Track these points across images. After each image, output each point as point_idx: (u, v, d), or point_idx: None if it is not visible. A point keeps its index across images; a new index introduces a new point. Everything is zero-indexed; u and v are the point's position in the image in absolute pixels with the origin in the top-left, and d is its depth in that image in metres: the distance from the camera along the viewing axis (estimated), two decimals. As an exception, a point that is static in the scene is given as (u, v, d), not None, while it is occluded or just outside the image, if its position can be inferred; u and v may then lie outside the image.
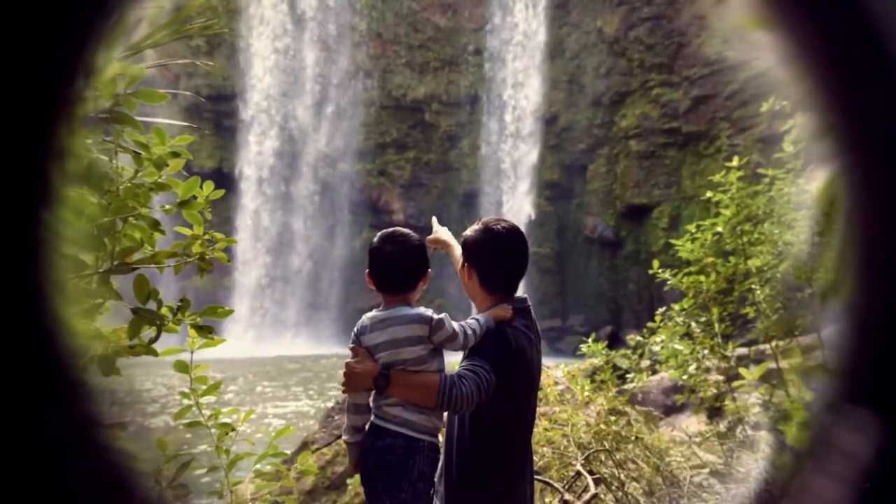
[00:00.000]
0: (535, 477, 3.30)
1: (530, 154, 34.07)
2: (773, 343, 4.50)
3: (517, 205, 33.66)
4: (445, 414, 2.09)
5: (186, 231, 1.80)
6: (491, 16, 35.72)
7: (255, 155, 34.94)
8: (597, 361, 5.78)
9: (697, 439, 5.02)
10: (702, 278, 4.78)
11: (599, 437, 4.36)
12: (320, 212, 35.54)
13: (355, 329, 2.03)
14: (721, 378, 4.87)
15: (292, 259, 34.87)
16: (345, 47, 36.48)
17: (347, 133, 36.06)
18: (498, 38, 35.42)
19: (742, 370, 4.14)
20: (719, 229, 4.69)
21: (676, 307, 4.98)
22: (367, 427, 2.01)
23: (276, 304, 34.04)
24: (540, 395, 3.88)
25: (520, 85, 34.80)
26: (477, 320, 2.00)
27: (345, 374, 1.95)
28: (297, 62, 36.09)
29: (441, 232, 2.52)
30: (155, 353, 1.65)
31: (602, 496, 3.91)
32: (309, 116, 35.99)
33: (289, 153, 35.51)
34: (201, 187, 1.78)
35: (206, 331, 1.83)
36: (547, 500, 3.99)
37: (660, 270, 4.96)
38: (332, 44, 36.38)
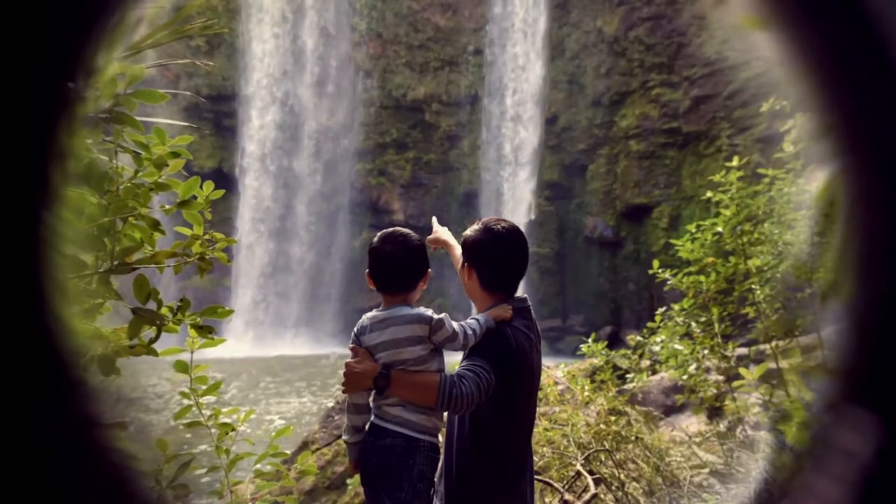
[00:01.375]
0: (535, 477, 3.30)
1: (531, 139, 34.02)
2: (773, 343, 4.50)
3: (518, 194, 33.64)
4: (445, 414, 2.09)
5: (186, 231, 1.80)
6: (492, 5, 35.71)
7: (257, 129, 34.64)
8: (597, 361, 5.78)
9: (697, 439, 5.03)
10: (702, 278, 4.78)
11: (599, 437, 4.36)
12: (322, 194, 35.30)
13: (355, 329, 2.03)
14: (721, 378, 4.87)
15: (294, 247, 34.68)
16: (344, 34, 36.36)
17: (349, 110, 35.85)
18: (498, 26, 35.40)
19: (742, 370, 4.14)
20: (719, 229, 4.69)
21: (676, 307, 4.98)
22: (367, 427, 2.01)
23: (278, 296, 33.92)
24: (540, 395, 3.89)
25: (520, 69, 34.76)
26: (477, 320, 2.00)
27: (345, 374, 1.95)
28: (297, 46, 36.02)
29: (441, 232, 2.52)
30: (155, 353, 1.66)
31: (602, 496, 3.91)
32: (309, 94, 35.86)
33: (291, 125, 35.26)
34: (201, 187, 1.78)
35: (206, 331, 1.83)
36: (547, 500, 3.99)
37: (660, 270, 4.96)
38: (332, 30, 36.27)
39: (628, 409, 5.14)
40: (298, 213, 34.93)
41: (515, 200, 33.48)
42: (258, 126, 34.71)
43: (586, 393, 5.02)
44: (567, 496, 3.61)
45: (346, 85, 36.04)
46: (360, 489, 2.34)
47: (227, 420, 2.35)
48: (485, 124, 35.20)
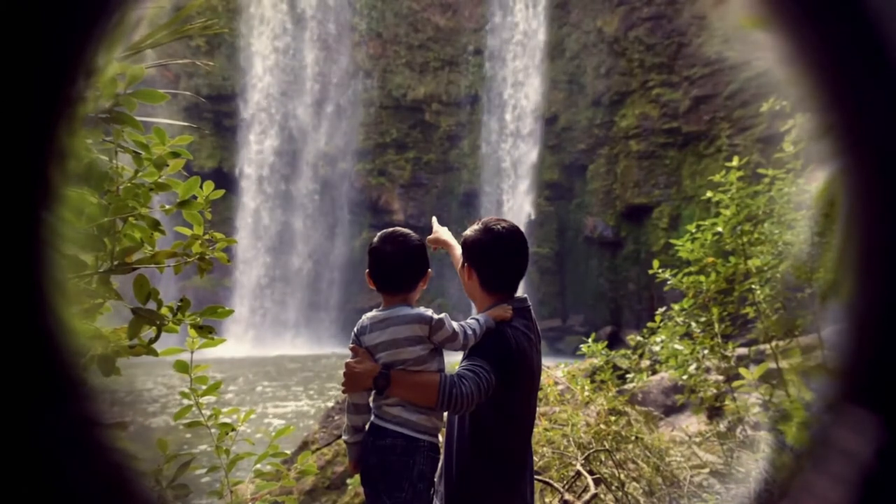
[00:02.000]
0: (535, 477, 3.30)
1: (530, 153, 34.18)
2: (773, 343, 4.50)
3: (517, 204, 33.74)
4: (445, 414, 2.09)
5: (186, 231, 1.80)
6: (491, 15, 35.78)
7: (255, 154, 34.91)
8: (597, 361, 5.78)
9: (697, 439, 5.02)
10: (702, 278, 4.78)
11: (599, 437, 4.36)
12: (320, 210, 35.57)
13: (355, 329, 2.03)
14: (721, 378, 4.87)
15: (292, 259, 34.90)
16: (345, 46, 36.45)
17: (347, 132, 36.05)
18: (498, 38, 35.49)
19: (742, 370, 4.14)
20: (719, 229, 4.69)
21: (676, 307, 4.98)
22: (367, 427, 2.01)
23: (276, 304, 34.07)
24: (540, 395, 3.89)
25: (520, 84, 34.89)
26: (477, 320, 2.00)
27: (345, 374, 1.95)
28: (297, 61, 36.05)
29: (441, 232, 2.52)
30: (155, 353, 1.65)
31: (602, 496, 3.91)
32: (309, 115, 35.99)
33: (289, 151, 35.50)
34: (201, 187, 1.78)
35: (206, 331, 1.82)
36: (547, 500, 3.99)
37: (660, 270, 4.96)
38: (332, 43, 36.34)
39: (628, 409, 5.14)
40: (295, 229, 35.14)
41: (514, 212, 33.62)
42: (256, 150, 34.88)
43: (586, 393, 5.02)
44: (567, 496, 3.61)
45: (345, 104, 36.17)
46: (360, 489, 2.34)
47: (227, 420, 2.35)
48: (484, 139, 35.33)
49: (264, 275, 34.22)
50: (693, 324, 4.89)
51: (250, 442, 2.52)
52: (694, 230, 4.88)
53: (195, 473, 2.01)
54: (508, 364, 1.95)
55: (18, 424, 0.51)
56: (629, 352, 5.78)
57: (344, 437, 2.06)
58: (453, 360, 2.11)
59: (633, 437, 4.45)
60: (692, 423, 5.95)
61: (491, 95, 35.58)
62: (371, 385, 1.90)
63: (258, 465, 2.41)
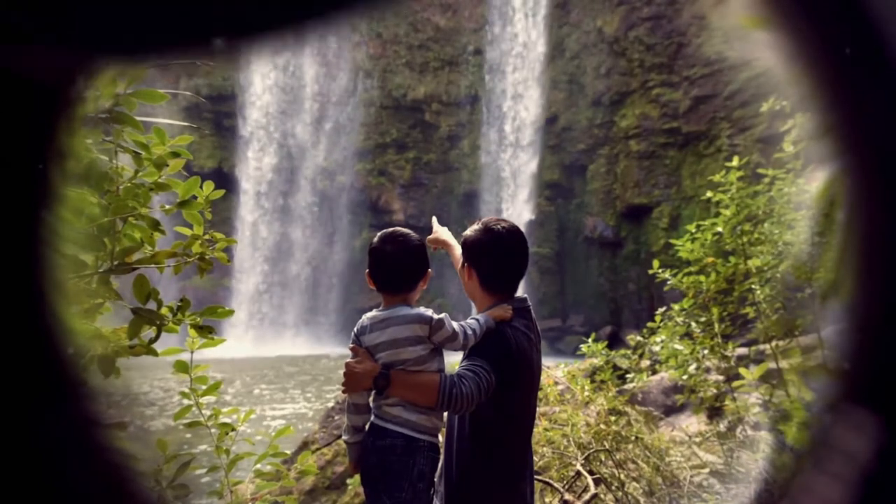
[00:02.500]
0: (535, 477, 3.30)
1: (530, 163, 34.30)
2: (773, 343, 4.50)
3: (517, 212, 33.89)
4: (445, 414, 2.09)
5: (186, 231, 1.80)
6: (490, 25, 35.84)
7: (253, 170, 35.08)
8: (597, 361, 5.78)
9: (697, 439, 5.02)
10: (702, 278, 4.78)
11: (599, 437, 4.36)
12: (319, 221, 35.72)
13: (355, 329, 2.03)
14: (721, 378, 4.87)
15: (291, 266, 35.03)
16: (344, 61, 36.55)
17: (346, 147, 36.16)
18: (497, 49, 35.57)
19: (742, 370, 4.14)
20: (719, 229, 4.69)
21: (676, 307, 4.98)
22: (367, 427, 2.01)
23: (274, 308, 34.15)
24: (540, 395, 3.89)
25: (519, 96, 35.01)
26: (477, 320, 2.00)
27: (345, 374, 1.95)
28: (297, 79, 36.13)
29: (441, 232, 2.52)
30: (155, 353, 1.65)
31: (602, 496, 3.91)
32: (307, 134, 36.11)
33: (287, 169, 35.66)
34: (201, 187, 1.78)
35: (207, 331, 1.82)
36: (547, 500, 3.99)
37: (660, 270, 4.96)
38: (332, 58, 36.39)
39: (628, 409, 5.14)
40: (294, 239, 35.28)
41: (513, 219, 33.76)
42: (255, 167, 34.98)
43: (586, 393, 5.02)
44: (567, 496, 3.61)
45: (344, 121, 36.23)
46: (360, 489, 2.34)
47: (227, 420, 2.35)
48: (484, 149, 35.41)
49: (262, 281, 34.34)
50: (693, 324, 4.89)
51: (250, 442, 2.52)
52: (694, 230, 4.88)
53: (195, 473, 2.01)
54: (508, 364, 1.95)
55: (18, 424, 0.51)
56: (629, 352, 5.79)
57: (344, 437, 2.06)
58: (453, 360, 2.11)
59: (633, 437, 4.45)
60: (692, 423, 5.94)
61: (491, 107, 35.69)
62: (371, 385, 1.90)
63: (258, 465, 2.41)
